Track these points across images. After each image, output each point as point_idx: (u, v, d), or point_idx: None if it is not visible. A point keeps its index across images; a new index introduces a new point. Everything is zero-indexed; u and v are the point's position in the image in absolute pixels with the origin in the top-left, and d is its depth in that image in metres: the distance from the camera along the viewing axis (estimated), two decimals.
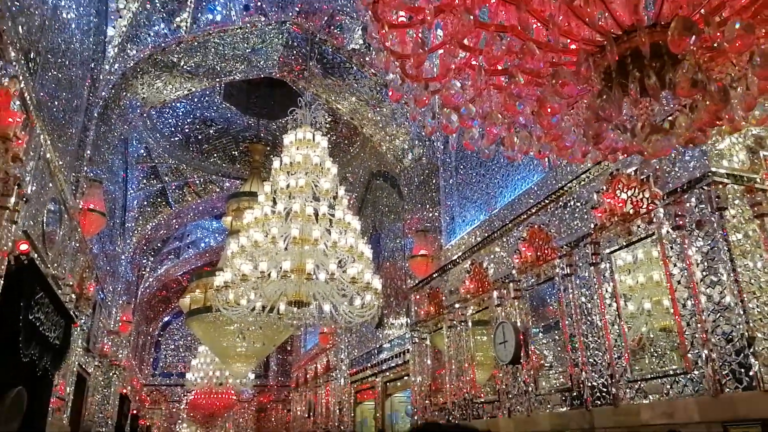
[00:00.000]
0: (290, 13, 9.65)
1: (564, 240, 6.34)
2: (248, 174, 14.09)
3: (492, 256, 7.83)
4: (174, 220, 15.78)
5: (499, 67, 2.28)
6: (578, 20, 1.99)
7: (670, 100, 2.17)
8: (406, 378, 10.96)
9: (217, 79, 11.16)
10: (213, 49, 9.91)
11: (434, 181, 10.30)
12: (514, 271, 7.17)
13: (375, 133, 11.77)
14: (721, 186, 4.73)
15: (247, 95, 13.53)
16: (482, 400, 7.71)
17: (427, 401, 9.17)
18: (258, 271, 6.54)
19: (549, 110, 2.13)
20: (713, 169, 4.75)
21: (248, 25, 9.53)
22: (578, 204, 6.24)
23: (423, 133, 10.24)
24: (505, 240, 7.58)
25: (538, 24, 2.10)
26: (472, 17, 1.92)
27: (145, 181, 14.15)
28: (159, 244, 17.26)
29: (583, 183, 6.18)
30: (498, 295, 7.41)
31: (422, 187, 10.79)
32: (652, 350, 5.21)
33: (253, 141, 14.07)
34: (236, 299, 7.25)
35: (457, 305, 8.50)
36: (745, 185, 4.82)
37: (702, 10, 1.94)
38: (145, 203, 14.57)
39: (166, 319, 24.94)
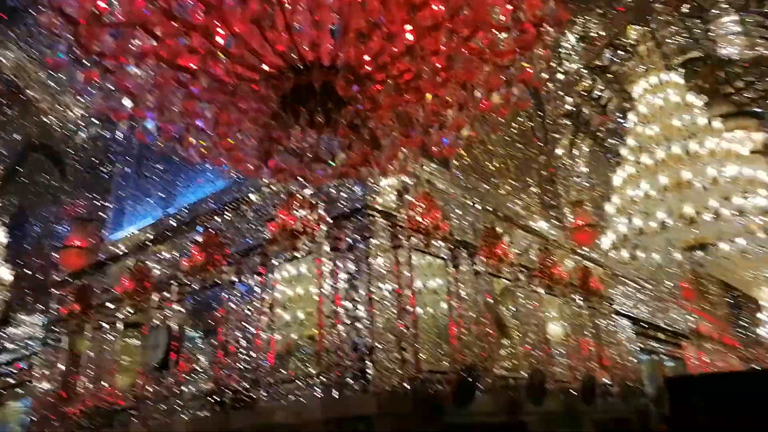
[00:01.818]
0: None
1: (237, 248, 6.46)
2: None
3: (160, 257, 7.41)
4: None
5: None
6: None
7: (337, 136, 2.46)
8: (29, 384, 9.33)
9: None
10: None
11: (109, 167, 9.23)
12: (180, 274, 6.92)
13: (43, 99, 9.93)
14: (372, 218, 5.57)
15: None
16: (121, 407, 7.11)
17: (52, 411, 7.95)
18: None
19: (227, 119, 2.16)
20: (369, 203, 5.56)
21: None
22: (256, 215, 6.45)
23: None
24: (177, 241, 7.27)
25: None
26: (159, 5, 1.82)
27: None
28: None
29: (263, 196, 6.44)
30: (159, 297, 7.03)
31: (92, 172, 9.54)
32: (298, 356, 5.71)
33: None
34: None
35: (110, 305, 7.71)
36: (390, 221, 5.78)
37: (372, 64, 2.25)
38: None
39: None
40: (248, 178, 6.01)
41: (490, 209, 7.46)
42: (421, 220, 6.11)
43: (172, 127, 2.40)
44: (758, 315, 17.15)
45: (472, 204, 7.13)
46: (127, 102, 2.24)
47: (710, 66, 9.73)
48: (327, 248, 5.69)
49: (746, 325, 19.94)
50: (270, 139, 2.10)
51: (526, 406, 6.68)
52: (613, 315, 10.02)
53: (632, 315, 11.07)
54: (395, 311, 5.44)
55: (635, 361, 10.54)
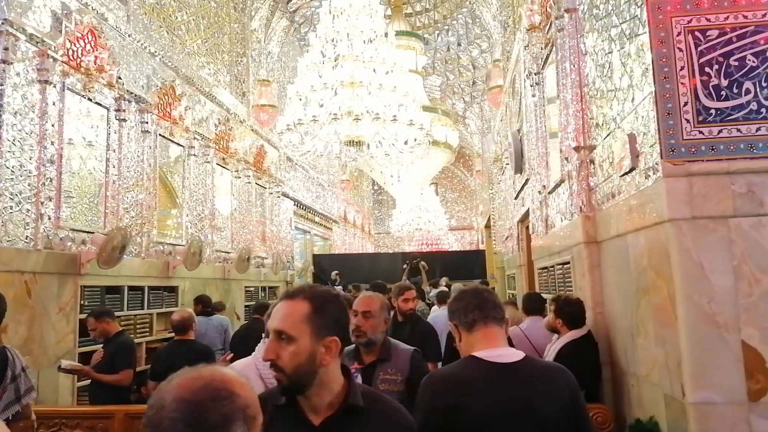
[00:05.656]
0: None
1: None
2: None
3: None
4: None
5: None
6: None
7: None
8: None
9: None
10: None
11: None
12: None
13: None
14: (12, 38, 4.46)
15: None
16: None
17: None
18: None
19: None
20: (9, 18, 4.41)
21: None
22: None
23: None
24: None
25: None
26: None
27: None
28: None
29: None
30: None
31: None
32: None
33: None
34: None
35: None
36: (39, 48, 4.74)
37: None
38: None
39: None
40: None
41: (171, 65, 6.86)
42: (81, 56, 5.19)
43: None
44: (393, 211, 20.93)
45: (150, 53, 6.41)
46: None
47: None
48: None
49: (383, 217, 24.25)
50: None
51: (179, 270, 6.76)
52: (279, 195, 10.79)
53: (296, 198, 12.13)
54: (35, 158, 4.63)
55: (290, 238, 11.72)
